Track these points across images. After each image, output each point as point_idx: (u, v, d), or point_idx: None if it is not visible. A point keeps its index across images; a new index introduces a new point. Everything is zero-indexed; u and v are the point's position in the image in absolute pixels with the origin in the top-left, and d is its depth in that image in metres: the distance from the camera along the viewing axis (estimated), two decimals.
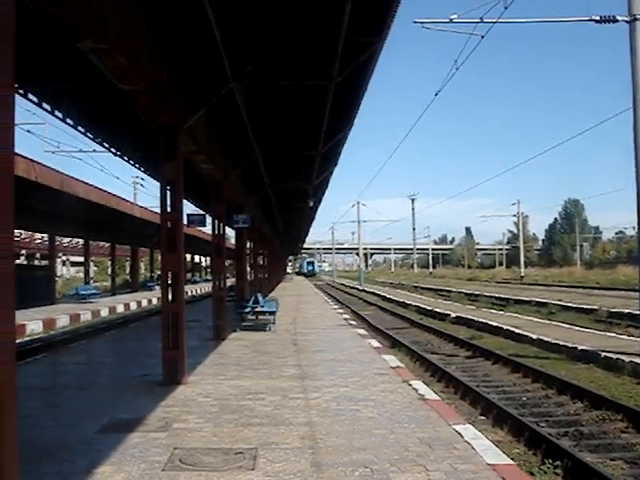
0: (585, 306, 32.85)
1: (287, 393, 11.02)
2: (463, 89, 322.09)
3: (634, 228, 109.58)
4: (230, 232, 32.88)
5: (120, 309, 41.95)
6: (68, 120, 16.48)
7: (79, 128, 17.39)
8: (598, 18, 17.11)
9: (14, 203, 3.92)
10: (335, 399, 10.49)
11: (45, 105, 15.09)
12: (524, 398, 13.35)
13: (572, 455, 8.77)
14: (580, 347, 17.27)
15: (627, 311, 27.26)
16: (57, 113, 15.77)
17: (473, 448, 7.55)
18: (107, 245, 66.47)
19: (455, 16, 18.23)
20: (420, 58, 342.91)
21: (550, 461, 8.78)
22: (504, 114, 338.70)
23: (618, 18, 16.72)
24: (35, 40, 10.89)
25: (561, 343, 18.36)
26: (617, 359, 15.37)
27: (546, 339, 19.46)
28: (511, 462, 7.34)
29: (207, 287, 64.83)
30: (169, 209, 12.43)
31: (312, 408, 9.86)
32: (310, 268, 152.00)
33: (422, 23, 18.06)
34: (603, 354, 16.04)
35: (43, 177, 25.37)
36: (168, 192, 12.47)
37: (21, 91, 13.55)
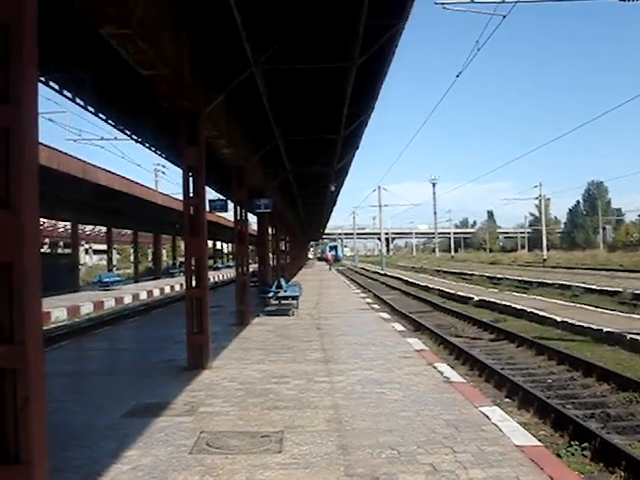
0: (609, 288, 32.58)
1: (312, 376, 11.02)
2: (485, 71, 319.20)
3: None
4: (252, 218, 32.92)
5: (143, 296, 42.12)
6: (89, 107, 16.53)
7: (100, 115, 17.46)
8: None
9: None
10: (360, 382, 10.49)
11: (66, 92, 15.14)
12: (549, 380, 13.26)
13: (599, 437, 8.70)
14: (605, 329, 17.13)
15: None
16: (78, 101, 15.82)
17: (500, 430, 7.51)
18: (129, 232, 66.73)
19: None
20: (442, 40, 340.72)
21: (577, 443, 8.71)
22: (526, 96, 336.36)
23: None
24: (56, 27, 10.89)
25: (585, 325, 18.22)
26: None
27: (570, 321, 19.31)
28: (538, 444, 7.30)
29: (229, 273, 65.16)
30: (191, 195, 12.44)
31: (337, 391, 9.85)
32: (333, 253, 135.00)
33: (443, 4, 17.88)
34: (629, 336, 15.89)
35: (65, 165, 25.53)
36: (190, 178, 12.47)
37: (42, 79, 13.58)
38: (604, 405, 11.03)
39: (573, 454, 8.43)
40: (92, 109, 16.71)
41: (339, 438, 7.31)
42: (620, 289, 31.03)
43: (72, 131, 34.30)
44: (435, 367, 11.63)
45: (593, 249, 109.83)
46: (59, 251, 69.56)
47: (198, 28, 11.61)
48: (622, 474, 7.60)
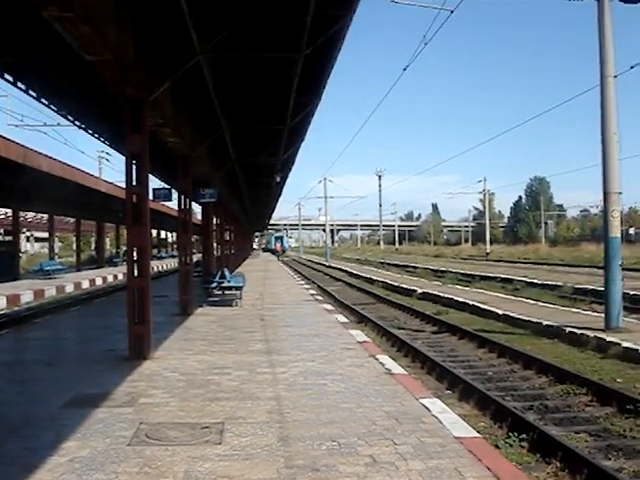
0: (550, 282, 33.12)
1: (254, 368, 10.99)
2: (431, 65, 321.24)
3: (598, 207, 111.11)
4: (196, 208, 32.71)
5: (85, 285, 41.53)
6: (31, 92, 16.21)
7: (42, 100, 17.13)
8: None
9: None
10: (302, 373, 10.50)
11: (7, 76, 14.82)
12: (490, 373, 13.44)
13: (537, 428, 8.85)
14: (545, 322, 17.43)
15: (591, 287, 27.58)
16: (20, 85, 15.50)
17: (440, 422, 7.58)
18: (72, 220, 65.74)
19: None
20: (389, 33, 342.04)
21: (515, 434, 8.85)
22: (471, 91, 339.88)
23: None
24: None
25: (526, 318, 18.52)
26: (581, 334, 15.53)
27: (511, 314, 19.61)
28: (478, 435, 7.38)
29: (173, 263, 64.54)
30: (135, 183, 12.27)
31: (279, 382, 9.85)
32: (278, 244, 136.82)
33: None
34: (568, 329, 16.20)
35: (5, 151, 25.02)
36: (134, 166, 12.30)
37: None
38: (542, 397, 11.22)
39: (511, 445, 8.55)
40: (34, 94, 16.39)
41: (280, 430, 7.30)
42: (560, 283, 31.57)
43: (14, 116, 33.57)
44: (377, 359, 11.69)
45: (535, 243, 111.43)
46: None
47: (144, 14, 11.44)
48: (558, 464, 7.73)
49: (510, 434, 8.96)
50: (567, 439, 8.62)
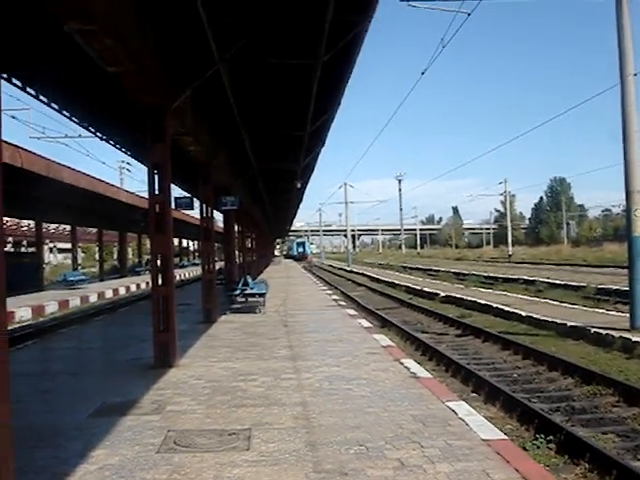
0: (573, 283, 32.95)
1: (279, 374, 11.02)
2: (450, 68, 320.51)
3: (619, 206, 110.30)
4: (218, 215, 32.83)
5: (109, 294, 41.77)
6: (53, 104, 16.36)
7: (64, 112, 17.28)
8: None
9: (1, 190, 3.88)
10: (327, 379, 10.51)
11: (30, 89, 14.95)
12: (515, 375, 13.41)
13: (564, 429, 8.81)
14: (570, 323, 17.34)
15: (615, 287, 27.43)
16: (42, 97, 15.65)
17: (467, 424, 7.58)
18: (94, 231, 66.13)
19: None
20: (407, 37, 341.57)
21: (542, 436, 8.83)
22: (491, 93, 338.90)
23: None
24: (19, 22, 10.75)
25: (550, 320, 18.42)
26: (606, 334, 15.43)
27: (535, 316, 19.52)
28: (505, 437, 7.37)
29: (195, 271, 64.76)
30: (157, 192, 12.35)
31: (304, 388, 9.87)
32: (301, 250, 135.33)
33: (409, 1, 17.88)
34: (593, 330, 16.10)
35: (29, 163, 25.23)
36: (156, 175, 12.38)
37: (5, 75, 13.40)
38: (569, 398, 11.19)
39: (539, 447, 8.55)
40: (56, 106, 16.53)
41: (307, 435, 7.32)
42: (584, 284, 31.36)
43: (36, 129, 33.84)
44: (402, 363, 11.69)
45: (557, 244, 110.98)
46: (23, 250, 68.74)
47: (164, 24, 11.54)
48: (586, 465, 7.72)
49: (537, 436, 8.95)
50: (595, 440, 8.59)
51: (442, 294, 30.35)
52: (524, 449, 8.10)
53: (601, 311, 20.44)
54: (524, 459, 6.64)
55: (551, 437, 8.71)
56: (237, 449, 6.89)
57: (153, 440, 7.25)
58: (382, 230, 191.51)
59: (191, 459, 6.58)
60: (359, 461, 6.38)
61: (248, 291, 22.72)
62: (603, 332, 15.67)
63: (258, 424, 7.82)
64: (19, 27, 10.95)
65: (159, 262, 12.50)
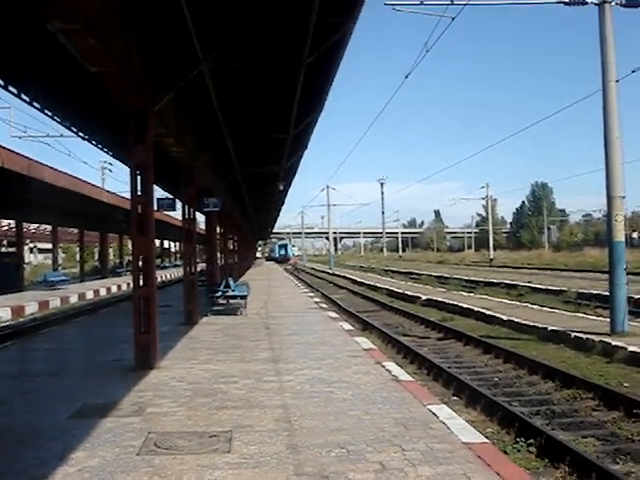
0: (554, 288, 33.02)
1: (260, 376, 11.00)
2: (434, 71, 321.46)
3: (600, 211, 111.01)
4: (200, 217, 32.75)
5: (89, 295, 41.53)
6: (35, 103, 16.26)
7: (46, 111, 17.18)
8: (568, 0, 17.04)
9: None
10: (309, 381, 10.50)
11: (11, 88, 14.86)
12: (496, 378, 13.45)
13: (544, 433, 8.85)
14: (550, 328, 17.41)
15: (595, 292, 27.53)
16: (24, 97, 15.55)
17: (448, 428, 7.58)
18: (75, 231, 65.75)
19: None
20: (391, 40, 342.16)
21: (523, 439, 8.86)
22: (473, 97, 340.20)
23: (587, 0, 16.68)
24: (1, 21, 10.70)
25: (531, 324, 18.50)
26: (587, 339, 15.51)
27: (516, 320, 19.59)
28: (486, 441, 7.38)
29: (177, 272, 64.59)
30: (139, 193, 12.29)
31: (286, 390, 9.85)
32: (283, 252, 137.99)
33: (393, 5, 17.90)
34: (573, 334, 16.18)
35: (10, 162, 25.07)
36: (138, 176, 12.32)
37: None
38: (549, 402, 11.23)
39: (519, 450, 8.58)
40: (38, 105, 16.44)
41: (288, 437, 7.31)
42: (565, 288, 31.47)
43: (17, 128, 33.64)
44: (383, 366, 11.69)
45: (538, 249, 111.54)
46: (3, 250, 68.25)
47: (147, 25, 11.49)
48: (566, 469, 7.76)
49: (518, 439, 8.97)
50: (575, 444, 8.63)
51: (424, 297, 30.42)
52: (505, 452, 8.13)
53: (582, 315, 20.52)
54: (505, 463, 6.66)
55: (532, 440, 8.73)
56: (218, 451, 6.86)
57: (133, 442, 7.21)
58: (364, 233, 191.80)
59: (172, 461, 6.54)
60: (340, 464, 6.37)
61: (230, 293, 22.71)
62: (584, 336, 15.74)
63: (239, 426, 7.79)
64: (0, 26, 10.89)
65: (140, 263, 12.44)
